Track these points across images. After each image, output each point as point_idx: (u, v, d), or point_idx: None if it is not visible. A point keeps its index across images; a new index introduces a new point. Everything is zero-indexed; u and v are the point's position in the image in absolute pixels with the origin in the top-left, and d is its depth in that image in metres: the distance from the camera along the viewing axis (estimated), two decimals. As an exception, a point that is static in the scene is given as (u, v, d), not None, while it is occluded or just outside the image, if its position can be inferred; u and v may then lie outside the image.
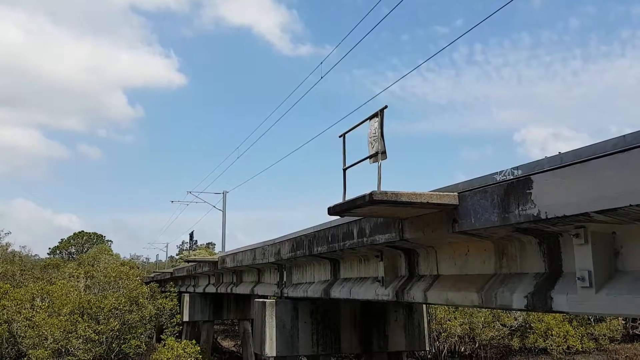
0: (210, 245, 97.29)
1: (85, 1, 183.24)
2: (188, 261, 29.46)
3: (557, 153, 5.05)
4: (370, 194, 6.17)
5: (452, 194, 6.32)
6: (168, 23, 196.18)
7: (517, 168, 5.51)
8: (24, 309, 26.01)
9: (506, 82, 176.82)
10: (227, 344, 46.93)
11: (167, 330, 31.22)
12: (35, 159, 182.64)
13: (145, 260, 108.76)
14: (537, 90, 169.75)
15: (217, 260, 22.24)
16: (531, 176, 5.20)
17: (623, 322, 34.30)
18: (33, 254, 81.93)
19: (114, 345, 26.46)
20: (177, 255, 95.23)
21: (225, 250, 31.65)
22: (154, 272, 60.36)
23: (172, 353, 24.00)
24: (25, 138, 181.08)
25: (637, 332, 35.64)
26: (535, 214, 5.14)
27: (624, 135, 4.33)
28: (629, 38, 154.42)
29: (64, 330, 24.21)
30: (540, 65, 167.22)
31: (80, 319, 25.39)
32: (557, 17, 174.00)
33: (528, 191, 5.22)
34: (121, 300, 27.53)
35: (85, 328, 24.86)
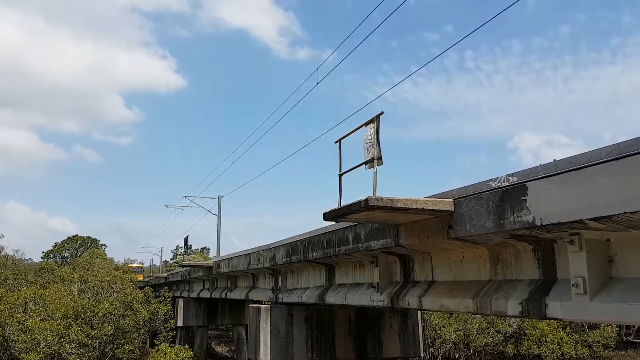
0: (204, 250, 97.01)
1: (84, 2, 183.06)
2: (182, 266, 29.36)
3: (552, 160, 5.07)
4: (366, 200, 6.17)
5: (447, 200, 6.32)
6: (166, 24, 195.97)
7: (512, 175, 5.53)
8: (17, 313, 25.85)
9: (497, 88, 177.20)
10: (221, 349, 46.77)
11: (160, 335, 31.03)
12: (31, 161, 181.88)
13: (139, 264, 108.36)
14: (528, 97, 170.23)
15: (211, 265, 22.16)
16: (526, 183, 5.22)
17: (617, 329, 34.35)
18: (26, 258, 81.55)
19: (107, 350, 26.34)
20: (171, 259, 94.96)
21: (220, 255, 31.57)
22: (148, 276, 60.09)
23: (165, 358, 23.91)
24: (21, 140, 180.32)
25: (630, 339, 35.70)
26: (530, 221, 5.15)
27: (618, 143, 4.36)
28: (619, 45, 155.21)
29: (57, 334, 24.08)
30: (531, 72, 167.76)
31: (73, 323, 25.26)
32: (547, 24, 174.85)
33: (523, 198, 5.24)
34: (115, 305, 27.41)
35: (79, 332, 24.73)
